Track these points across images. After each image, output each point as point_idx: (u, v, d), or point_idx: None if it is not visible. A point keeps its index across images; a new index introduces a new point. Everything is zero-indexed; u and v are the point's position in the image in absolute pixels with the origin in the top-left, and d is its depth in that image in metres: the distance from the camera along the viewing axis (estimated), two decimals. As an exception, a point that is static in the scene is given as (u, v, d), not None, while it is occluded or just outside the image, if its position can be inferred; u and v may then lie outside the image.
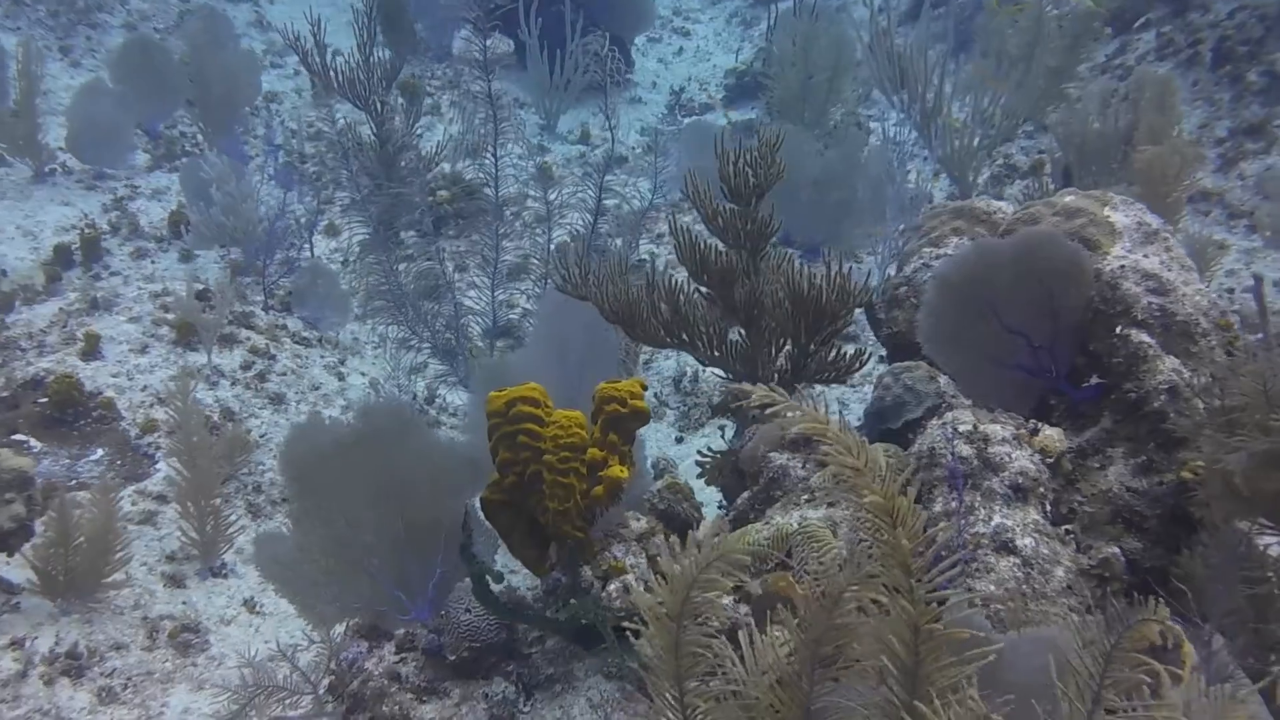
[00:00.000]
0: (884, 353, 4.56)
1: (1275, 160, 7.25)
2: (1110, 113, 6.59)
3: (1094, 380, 3.44)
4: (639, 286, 4.22)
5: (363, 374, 6.75)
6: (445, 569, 3.95)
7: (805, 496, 3.70)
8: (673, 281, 4.16)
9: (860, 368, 4.01)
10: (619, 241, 6.01)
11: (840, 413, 5.53)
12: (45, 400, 5.45)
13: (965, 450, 3.14)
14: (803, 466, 3.89)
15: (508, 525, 3.62)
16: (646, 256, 7.42)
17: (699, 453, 4.34)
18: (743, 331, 4.20)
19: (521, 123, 10.78)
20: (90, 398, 5.54)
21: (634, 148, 10.26)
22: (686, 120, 11.02)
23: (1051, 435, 3.27)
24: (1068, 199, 3.68)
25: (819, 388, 4.50)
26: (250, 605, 4.85)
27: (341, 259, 7.98)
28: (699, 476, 4.29)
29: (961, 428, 3.21)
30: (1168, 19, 9.13)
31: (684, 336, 4.23)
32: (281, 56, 11.77)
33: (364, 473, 3.87)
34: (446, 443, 3.95)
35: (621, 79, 11.93)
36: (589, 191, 5.89)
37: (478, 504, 3.62)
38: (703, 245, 4.12)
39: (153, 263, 7.48)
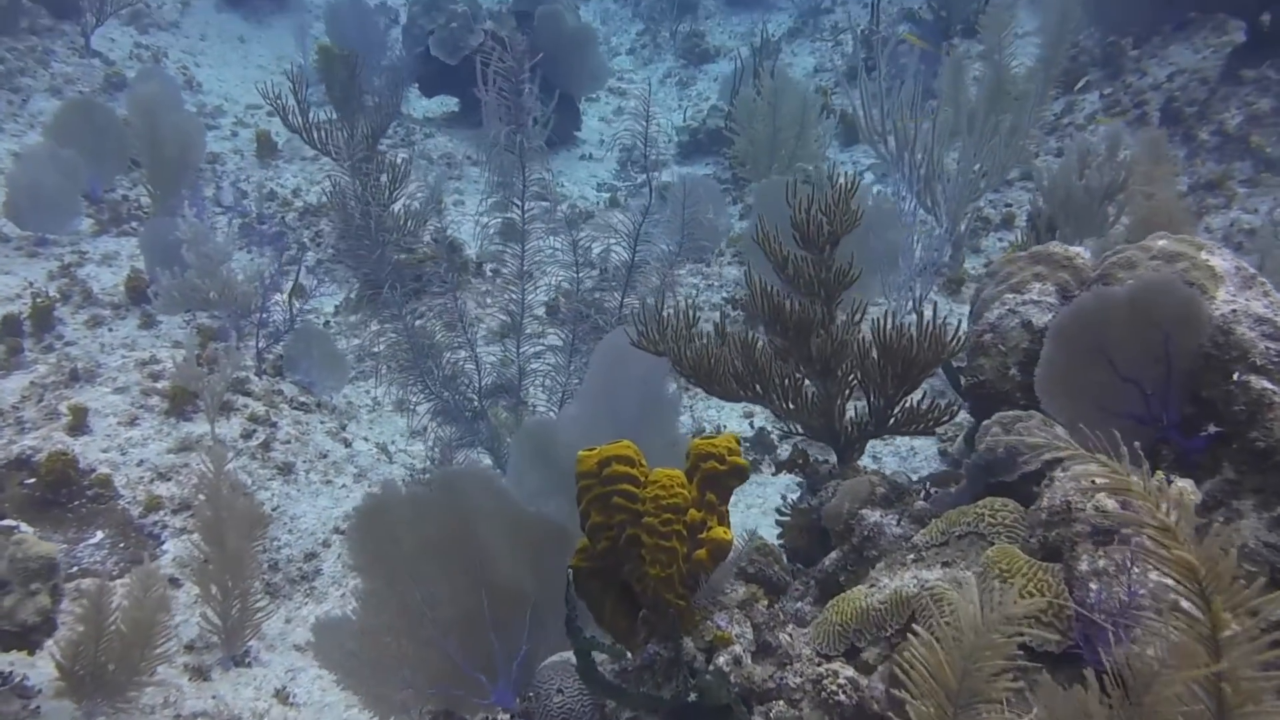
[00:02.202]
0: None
1: (1238, 214, 7.41)
2: (1095, 169, 6.67)
3: (1210, 429, 3.35)
4: (709, 336, 4.07)
5: (365, 439, 6.46)
6: (529, 646, 3.72)
7: (911, 556, 3.52)
8: (748, 335, 4.01)
9: (951, 419, 3.89)
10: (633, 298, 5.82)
11: (875, 466, 5.43)
12: (33, 480, 5.06)
13: (1109, 504, 3.02)
14: (898, 524, 3.74)
15: (599, 595, 3.38)
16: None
17: (778, 511, 4.17)
18: (817, 383, 4.05)
19: (476, 179, 10.68)
20: (84, 475, 5.16)
21: (596, 203, 10.20)
22: (640, 175, 11.03)
23: (1184, 487, 3.15)
24: (1161, 243, 3.62)
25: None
26: (282, 696, 4.51)
27: (324, 321, 7.68)
28: (778, 537, 4.11)
29: (1100, 479, 3.08)
30: (1106, 80, 9.49)
31: (758, 389, 4.07)
32: (214, 118, 11.48)
33: (442, 543, 3.63)
34: (532, 510, 3.70)
35: (570, 137, 11.92)
36: (620, 247, 5.70)
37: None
38: (777, 295, 3.98)
39: (110, 330, 7.10)
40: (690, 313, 4.16)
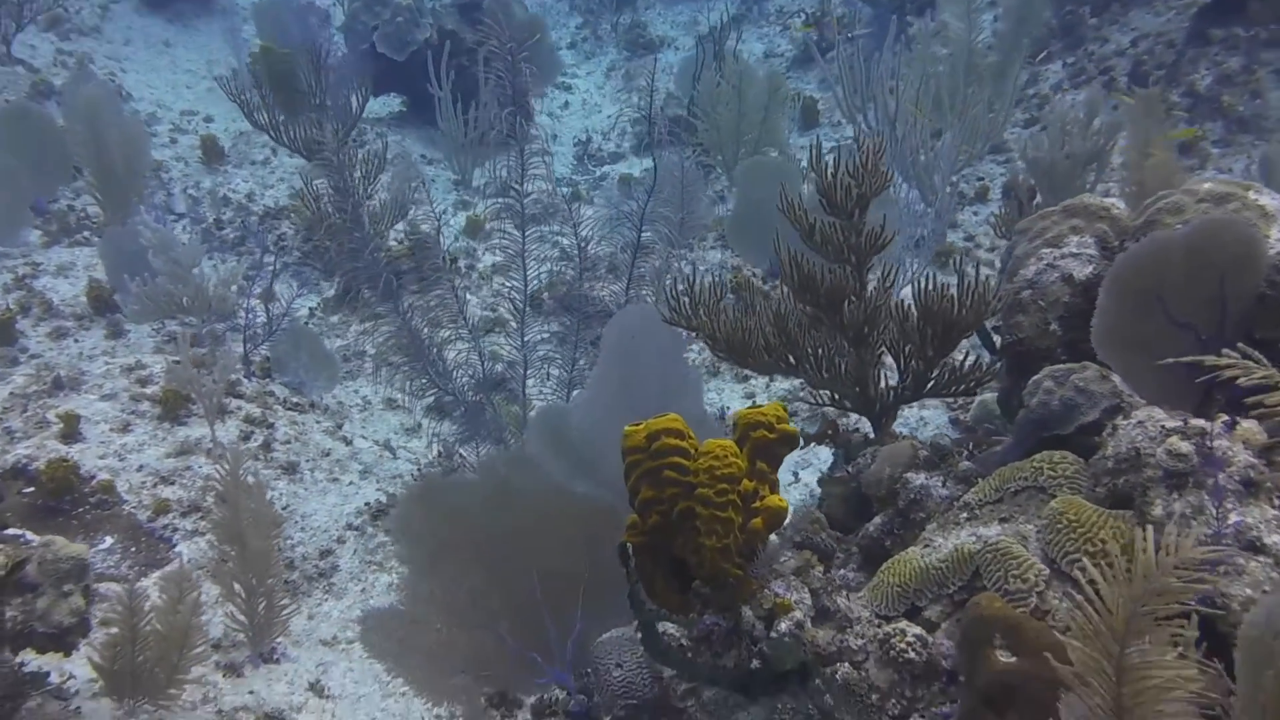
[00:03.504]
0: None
1: (1213, 173, 7.54)
2: (1075, 138, 6.74)
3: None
4: (739, 309, 4.04)
5: (363, 437, 6.35)
6: (584, 624, 3.66)
7: (965, 515, 3.52)
8: (780, 306, 3.98)
9: (993, 378, 3.90)
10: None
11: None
12: (33, 489, 4.91)
13: (1183, 447, 3.02)
14: (943, 485, 3.74)
15: (650, 570, 3.34)
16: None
17: (819, 484, 4.15)
18: (851, 350, 4.04)
19: (432, 178, 10.56)
20: (85, 482, 5.01)
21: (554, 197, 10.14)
22: (602, 168, 11.03)
23: (1250, 428, 3.17)
24: (1206, 185, 3.64)
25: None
26: (317, 689, 4.44)
27: (303, 323, 7.53)
28: (819, 508, 4.09)
29: (1169, 424, 3.10)
30: (1068, 50, 9.61)
31: (791, 360, 4.05)
32: (150, 126, 11.18)
33: (489, 528, 3.57)
34: (580, 491, 3.64)
35: (522, 131, 11.81)
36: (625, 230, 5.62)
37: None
38: (807, 264, 3.95)
39: (76, 342, 6.90)
40: (718, 287, 4.13)
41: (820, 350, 4.03)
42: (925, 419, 5.67)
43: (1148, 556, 1.87)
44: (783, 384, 6.53)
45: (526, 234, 5.93)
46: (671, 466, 3.16)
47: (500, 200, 9.83)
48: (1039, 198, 6.77)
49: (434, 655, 3.58)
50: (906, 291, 4.18)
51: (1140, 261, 3.28)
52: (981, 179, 8.45)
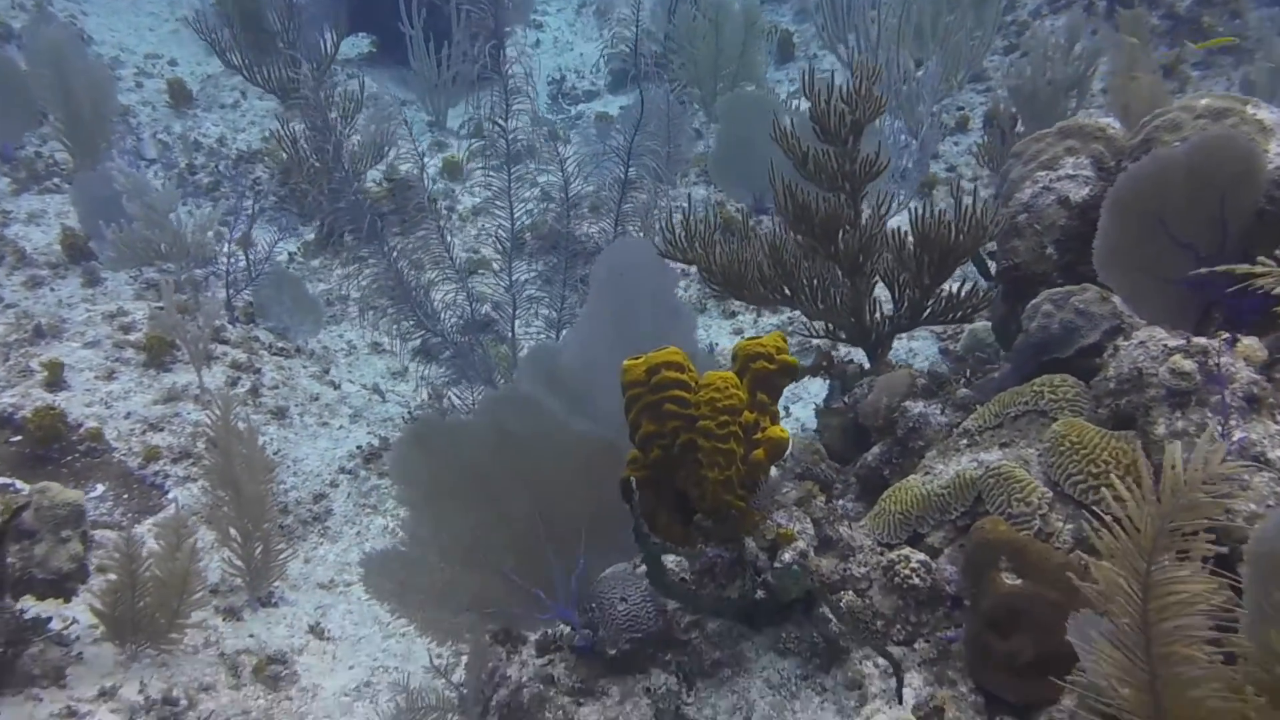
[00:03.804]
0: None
1: (1192, 95, 7.49)
2: (1058, 64, 6.69)
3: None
4: (733, 242, 4.01)
5: (350, 381, 6.31)
6: (586, 561, 3.66)
7: (965, 441, 3.53)
8: (775, 237, 3.95)
9: (990, 304, 3.89)
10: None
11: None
12: (20, 437, 4.85)
13: (1186, 365, 3.03)
14: (941, 413, 3.74)
15: (652, 505, 3.33)
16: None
17: (816, 415, 4.14)
18: (846, 280, 4.02)
19: (409, 120, 10.41)
20: (73, 430, 4.96)
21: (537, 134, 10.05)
22: (577, 106, 10.92)
23: (1251, 345, 3.18)
24: (1204, 101, 3.62)
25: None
26: (316, 631, 4.47)
27: (286, 264, 7.45)
28: (820, 441, 4.08)
29: (1172, 343, 3.10)
30: (1046, -23, 9.52)
31: (787, 291, 4.03)
32: (114, 69, 10.94)
33: (490, 467, 3.54)
34: (582, 429, 3.62)
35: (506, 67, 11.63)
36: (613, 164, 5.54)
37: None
38: (802, 194, 3.92)
39: (52, 290, 6.80)
40: (713, 218, 4.09)
41: (815, 281, 4.01)
42: (915, 350, 5.66)
43: (1176, 472, 1.85)
44: (770, 319, 6.51)
45: (509, 173, 5.85)
46: (672, 400, 3.13)
47: (480, 139, 9.80)
48: (1020, 125, 6.76)
49: (436, 595, 3.57)
50: (894, 222, 4.16)
51: (1141, 182, 3.26)
52: (962, 108, 8.39)
